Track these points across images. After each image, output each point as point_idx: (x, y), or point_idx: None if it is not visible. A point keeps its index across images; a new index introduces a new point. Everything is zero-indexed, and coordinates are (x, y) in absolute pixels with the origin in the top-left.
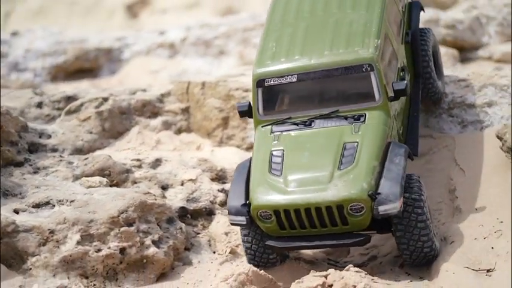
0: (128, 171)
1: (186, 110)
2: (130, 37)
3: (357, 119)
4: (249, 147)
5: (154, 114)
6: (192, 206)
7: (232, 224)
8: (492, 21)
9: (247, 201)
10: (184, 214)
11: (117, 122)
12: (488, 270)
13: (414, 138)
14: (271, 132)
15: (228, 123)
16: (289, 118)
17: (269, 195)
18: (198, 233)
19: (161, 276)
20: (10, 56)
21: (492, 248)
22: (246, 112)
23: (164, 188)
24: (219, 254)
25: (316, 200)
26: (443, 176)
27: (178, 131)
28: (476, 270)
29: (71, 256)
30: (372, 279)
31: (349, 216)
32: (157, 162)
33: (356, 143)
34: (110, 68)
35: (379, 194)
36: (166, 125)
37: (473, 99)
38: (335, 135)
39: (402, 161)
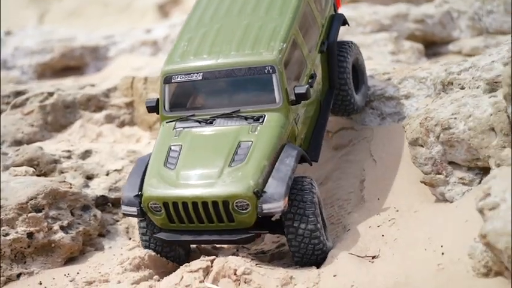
0: (56, 161)
1: (130, 104)
2: (118, 35)
3: (256, 119)
4: None
5: (99, 108)
6: (113, 195)
7: (124, 215)
8: (463, 16)
9: (140, 192)
10: (105, 202)
11: (61, 115)
12: (373, 257)
13: (317, 145)
14: (174, 128)
15: None
16: (193, 115)
17: (160, 187)
18: (118, 221)
19: (69, 260)
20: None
21: (382, 235)
22: (154, 108)
23: (89, 177)
24: (133, 241)
25: (203, 194)
26: (358, 167)
27: (122, 124)
28: (362, 257)
29: None
30: (256, 264)
31: (235, 212)
32: (86, 154)
33: (250, 142)
34: (95, 65)
35: (264, 192)
36: (110, 119)
37: (392, 91)
38: (232, 134)
39: (292, 162)
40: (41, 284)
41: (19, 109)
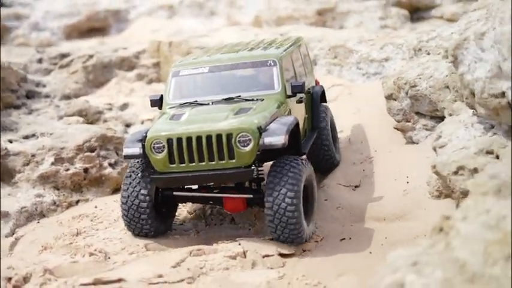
0: (100, 112)
1: (157, 64)
2: None
3: (256, 100)
4: None
5: (131, 68)
6: None
7: (125, 157)
8: None
9: (144, 135)
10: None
11: (100, 74)
12: (355, 186)
13: (305, 144)
14: (177, 108)
15: None
16: (195, 101)
17: (165, 129)
18: None
19: (116, 190)
20: (32, 17)
21: (363, 170)
22: (157, 102)
23: (128, 125)
24: None
25: (208, 128)
26: (346, 116)
27: (150, 81)
28: (347, 186)
29: (46, 173)
30: None
31: (237, 148)
32: (124, 106)
33: (251, 108)
34: (117, 27)
35: (267, 130)
36: (140, 77)
37: (375, 55)
38: (234, 104)
39: (292, 118)
40: (96, 207)
41: (66, 69)
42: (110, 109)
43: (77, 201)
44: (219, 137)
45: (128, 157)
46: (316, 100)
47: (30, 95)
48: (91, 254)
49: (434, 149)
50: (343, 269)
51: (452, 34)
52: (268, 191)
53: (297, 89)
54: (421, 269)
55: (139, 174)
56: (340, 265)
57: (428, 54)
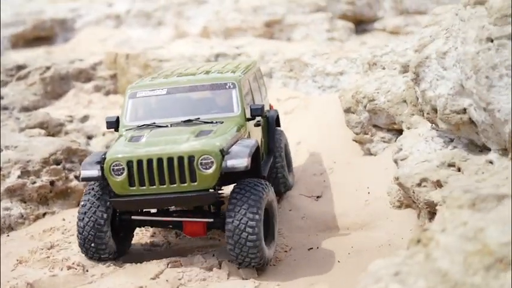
0: (62, 124)
1: (113, 76)
2: (83, 8)
3: (216, 123)
4: None
5: (88, 80)
6: None
7: (83, 179)
8: None
9: (103, 156)
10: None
11: (57, 86)
12: (317, 197)
13: (264, 166)
14: (134, 130)
15: None
16: (153, 123)
17: (125, 151)
18: None
19: None
20: None
21: (324, 181)
22: (113, 124)
23: (89, 137)
24: None
25: (169, 151)
26: (303, 129)
27: (107, 93)
28: (309, 196)
29: (13, 186)
30: None
31: (199, 170)
32: (85, 118)
33: (212, 130)
34: (64, 36)
35: (229, 152)
36: (97, 88)
37: (330, 68)
38: (194, 127)
39: (253, 141)
40: (64, 220)
41: (23, 80)
42: (71, 121)
43: (44, 214)
44: (180, 159)
45: (86, 179)
46: (272, 124)
47: None
48: (69, 268)
49: (396, 162)
50: (315, 278)
51: (407, 50)
52: (229, 218)
53: (256, 112)
54: (403, 278)
55: (92, 209)
56: (311, 274)
57: (384, 69)
